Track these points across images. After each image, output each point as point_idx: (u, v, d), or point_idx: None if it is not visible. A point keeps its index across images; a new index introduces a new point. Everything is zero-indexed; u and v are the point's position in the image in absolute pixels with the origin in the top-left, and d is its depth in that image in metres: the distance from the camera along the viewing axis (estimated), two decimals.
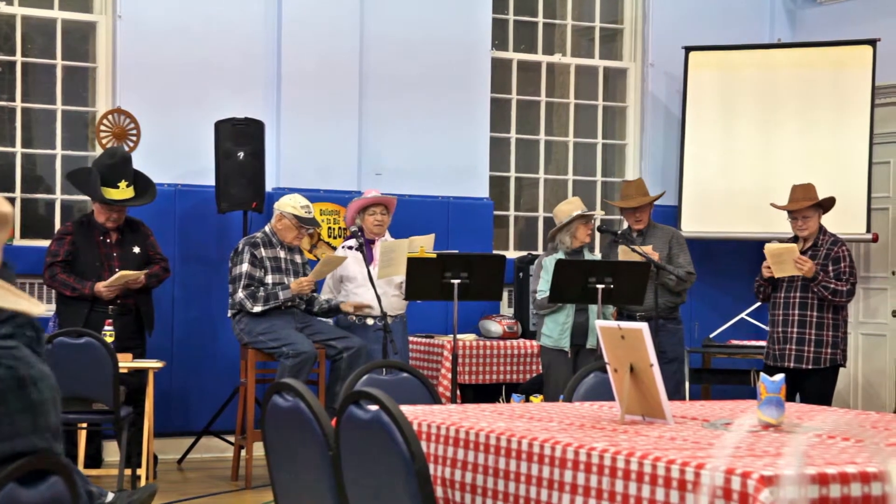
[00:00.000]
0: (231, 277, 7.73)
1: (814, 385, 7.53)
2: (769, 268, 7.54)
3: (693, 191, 9.86)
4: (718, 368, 9.51)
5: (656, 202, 8.28)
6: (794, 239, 7.74)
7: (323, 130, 8.97)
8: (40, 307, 2.22)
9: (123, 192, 7.70)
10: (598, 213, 8.05)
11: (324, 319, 7.95)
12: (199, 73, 8.71)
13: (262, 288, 7.63)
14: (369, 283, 7.66)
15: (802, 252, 7.61)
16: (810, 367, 7.52)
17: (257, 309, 7.59)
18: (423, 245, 7.57)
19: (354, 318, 7.95)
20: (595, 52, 10.37)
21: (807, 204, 7.58)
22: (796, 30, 10.50)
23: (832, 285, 7.44)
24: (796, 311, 7.57)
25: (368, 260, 7.82)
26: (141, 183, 7.83)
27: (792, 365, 7.51)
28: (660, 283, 7.76)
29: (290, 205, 7.74)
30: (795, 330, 7.56)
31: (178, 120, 8.66)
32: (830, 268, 7.51)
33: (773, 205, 7.94)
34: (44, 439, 2.17)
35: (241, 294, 7.61)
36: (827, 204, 7.67)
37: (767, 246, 7.56)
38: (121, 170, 7.72)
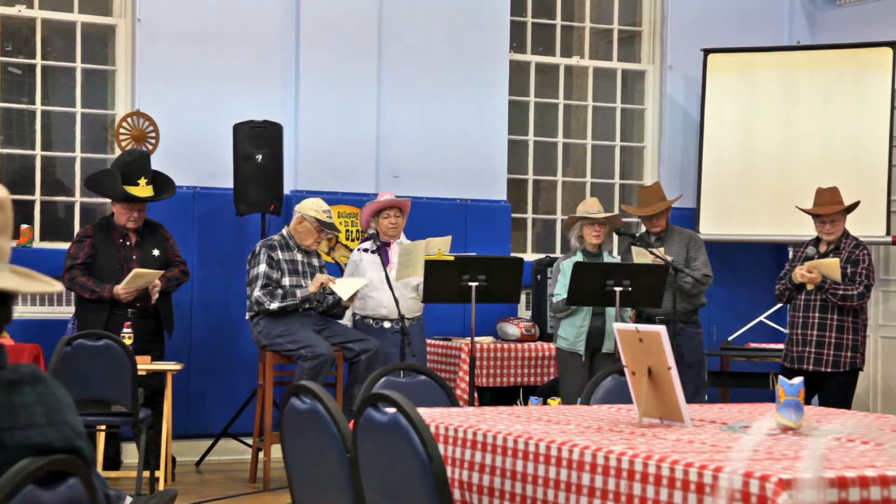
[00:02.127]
0: (248, 279, 7.74)
1: (833, 389, 7.50)
2: (803, 274, 7.48)
3: (711, 193, 9.84)
4: (737, 371, 9.49)
5: (675, 205, 8.27)
6: (816, 240, 7.70)
7: (341, 133, 8.98)
8: (57, 286, 2.22)
9: (144, 189, 7.73)
10: (602, 216, 7.74)
11: (342, 322, 7.96)
12: (217, 75, 8.74)
13: (279, 288, 7.65)
14: (385, 286, 7.67)
15: (824, 254, 7.59)
16: (829, 370, 7.50)
17: (274, 306, 7.59)
18: (441, 247, 7.57)
19: (372, 321, 7.96)
20: (613, 55, 10.36)
21: (837, 209, 7.53)
22: (815, 32, 10.46)
23: (840, 291, 7.40)
24: (816, 314, 7.54)
25: (385, 262, 7.82)
26: (160, 181, 7.86)
27: (811, 368, 7.49)
28: (675, 286, 7.74)
29: (313, 208, 7.76)
30: (815, 333, 7.53)
31: (196, 122, 8.68)
32: (849, 270, 7.49)
33: (798, 208, 7.86)
34: (61, 434, 2.16)
35: (258, 292, 7.61)
36: (852, 207, 7.63)
37: (815, 262, 7.48)
38: (140, 167, 7.75)
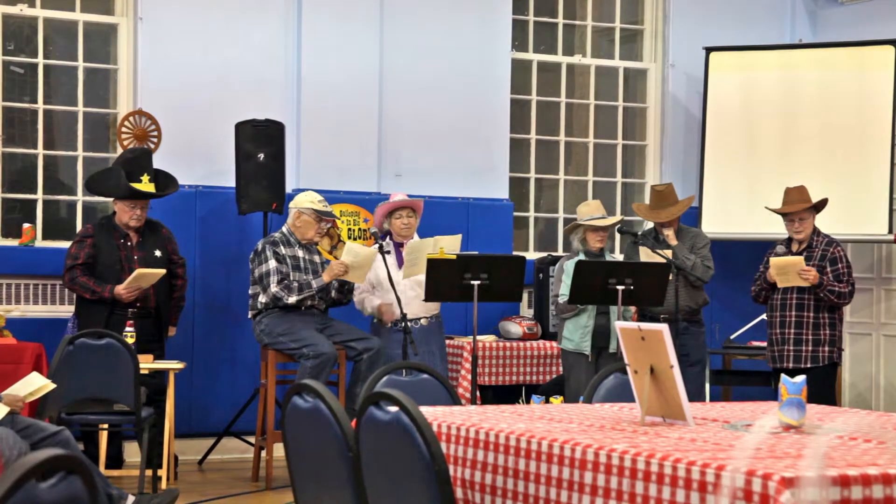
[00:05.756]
0: (255, 278, 7.72)
1: (814, 384, 7.49)
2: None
3: (714, 192, 9.83)
4: (739, 370, 9.49)
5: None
6: (789, 240, 7.77)
7: (343, 132, 8.98)
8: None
9: (147, 185, 7.73)
10: (605, 222, 7.73)
11: (344, 322, 7.95)
12: (219, 74, 8.73)
13: (293, 281, 7.64)
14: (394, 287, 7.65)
15: (797, 253, 7.66)
16: (809, 366, 7.55)
17: (293, 300, 7.58)
18: (449, 246, 7.55)
19: (377, 319, 7.94)
20: (615, 53, 10.36)
21: (803, 206, 7.65)
22: (817, 30, 10.46)
23: (837, 289, 7.52)
24: (793, 313, 7.64)
25: (399, 262, 7.83)
26: (162, 179, 7.87)
27: (791, 365, 7.57)
28: (678, 267, 7.65)
29: (308, 200, 7.79)
30: (793, 331, 7.64)
31: (198, 122, 8.68)
32: (828, 269, 7.58)
33: (767, 208, 7.96)
34: None
35: (274, 288, 7.60)
36: (820, 205, 7.70)
37: (773, 260, 7.59)
38: (142, 163, 7.76)
